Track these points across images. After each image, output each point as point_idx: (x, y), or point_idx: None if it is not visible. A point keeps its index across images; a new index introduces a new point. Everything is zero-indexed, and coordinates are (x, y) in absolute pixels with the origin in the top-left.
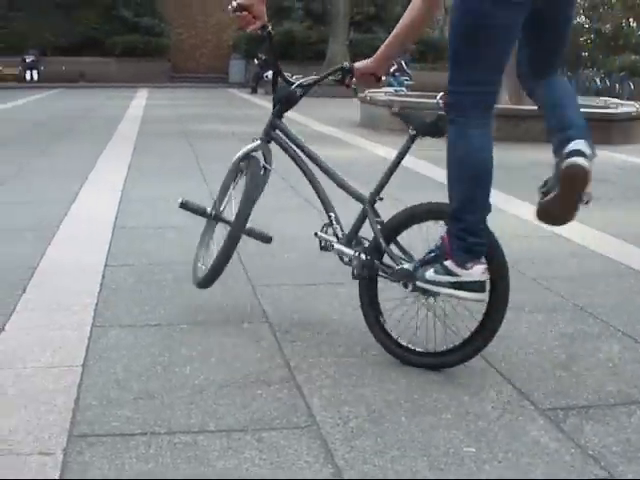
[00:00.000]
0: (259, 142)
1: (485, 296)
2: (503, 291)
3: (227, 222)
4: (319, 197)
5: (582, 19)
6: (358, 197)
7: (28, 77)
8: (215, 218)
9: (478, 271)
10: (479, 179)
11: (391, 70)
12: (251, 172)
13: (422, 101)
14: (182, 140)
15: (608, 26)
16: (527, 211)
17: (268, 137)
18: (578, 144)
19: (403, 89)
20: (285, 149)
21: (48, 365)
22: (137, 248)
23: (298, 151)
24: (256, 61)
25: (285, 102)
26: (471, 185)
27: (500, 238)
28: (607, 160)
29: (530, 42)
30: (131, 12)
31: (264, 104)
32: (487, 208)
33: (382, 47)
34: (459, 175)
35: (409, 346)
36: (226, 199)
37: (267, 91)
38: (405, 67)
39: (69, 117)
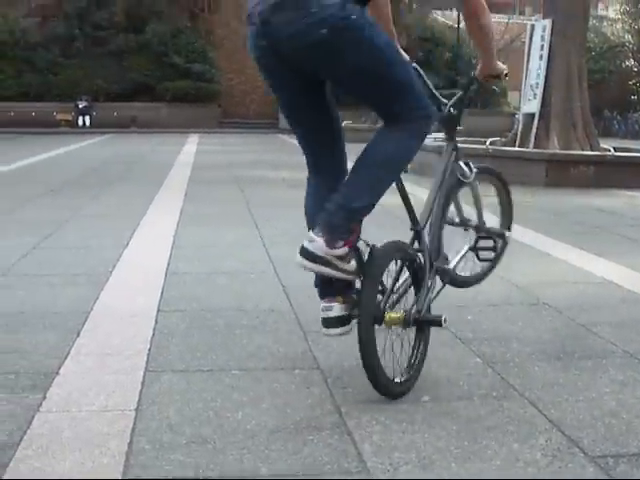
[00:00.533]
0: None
1: (329, 332)
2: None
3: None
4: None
5: (631, 62)
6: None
7: (80, 122)
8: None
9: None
10: None
11: None
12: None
13: (472, 146)
14: (233, 186)
15: None
16: (576, 256)
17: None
18: (306, 239)
19: None
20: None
21: (102, 409)
22: (189, 294)
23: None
24: None
25: (449, 124)
26: None
27: (549, 284)
28: None
29: None
30: (182, 58)
31: None
32: None
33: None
34: None
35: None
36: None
37: None
38: None
39: (121, 162)
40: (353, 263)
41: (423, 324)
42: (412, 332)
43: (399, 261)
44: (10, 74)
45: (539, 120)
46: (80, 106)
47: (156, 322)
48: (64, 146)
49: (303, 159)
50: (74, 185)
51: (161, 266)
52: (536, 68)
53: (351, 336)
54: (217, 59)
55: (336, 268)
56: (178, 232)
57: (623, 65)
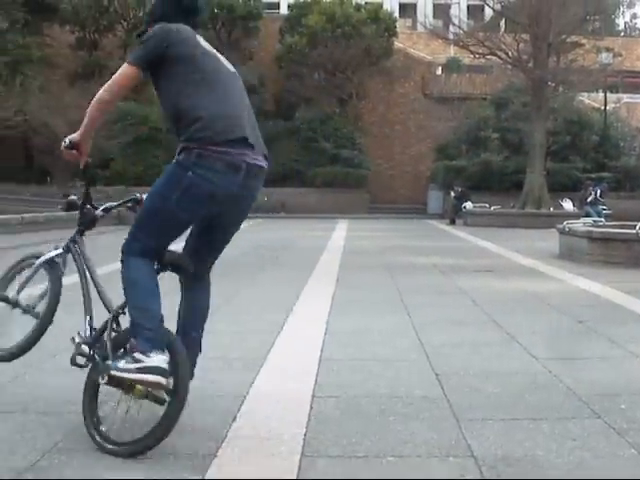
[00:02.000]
0: (61, 251)
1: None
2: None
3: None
4: (84, 301)
5: None
6: (109, 307)
7: None
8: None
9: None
10: None
11: (588, 200)
12: (52, 279)
13: (622, 231)
14: (383, 272)
15: None
16: None
17: (68, 248)
18: None
19: (602, 219)
20: (75, 260)
21: None
22: (343, 380)
23: (83, 263)
24: (452, 193)
25: (89, 223)
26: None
27: None
28: None
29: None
30: (331, 144)
31: (463, 235)
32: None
33: None
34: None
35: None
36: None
37: (465, 222)
38: (601, 196)
39: (273, 247)
40: None
41: None
42: None
43: None
44: (163, 159)
45: None
46: None
47: (311, 407)
48: None
49: (453, 245)
50: (226, 269)
51: (315, 352)
52: None
53: (506, 426)
54: (365, 144)
55: None
56: (330, 318)
57: None
